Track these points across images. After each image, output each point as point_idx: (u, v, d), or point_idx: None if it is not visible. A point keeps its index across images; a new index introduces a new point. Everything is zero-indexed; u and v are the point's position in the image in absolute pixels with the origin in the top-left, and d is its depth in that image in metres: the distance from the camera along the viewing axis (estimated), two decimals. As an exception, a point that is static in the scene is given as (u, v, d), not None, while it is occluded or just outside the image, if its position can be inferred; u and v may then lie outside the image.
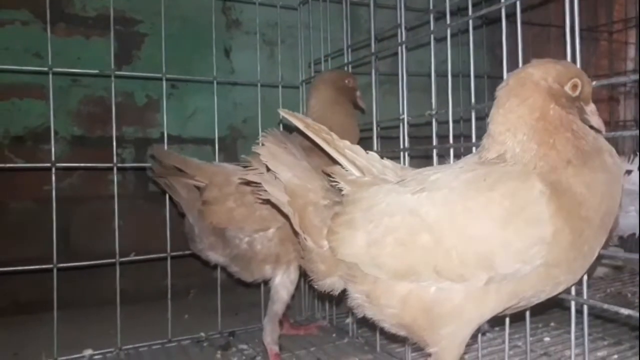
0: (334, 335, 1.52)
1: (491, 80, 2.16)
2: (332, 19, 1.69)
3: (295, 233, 1.01)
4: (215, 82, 1.63)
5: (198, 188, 1.36)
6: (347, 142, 0.97)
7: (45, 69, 1.40)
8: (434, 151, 1.25)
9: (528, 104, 0.85)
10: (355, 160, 0.95)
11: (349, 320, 1.53)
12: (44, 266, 1.36)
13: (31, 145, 1.79)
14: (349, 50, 1.57)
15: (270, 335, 1.30)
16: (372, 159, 0.96)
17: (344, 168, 0.95)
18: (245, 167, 1.06)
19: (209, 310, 1.62)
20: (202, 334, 1.53)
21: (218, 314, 1.56)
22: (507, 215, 0.80)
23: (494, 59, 2.30)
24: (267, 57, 2.05)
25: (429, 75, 1.25)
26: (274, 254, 1.33)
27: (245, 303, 1.75)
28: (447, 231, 0.82)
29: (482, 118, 1.00)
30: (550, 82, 0.85)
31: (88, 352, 1.40)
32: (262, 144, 0.98)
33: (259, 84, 1.69)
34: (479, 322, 0.88)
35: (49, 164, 1.40)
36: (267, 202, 1.08)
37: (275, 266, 1.34)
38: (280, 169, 0.97)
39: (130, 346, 1.44)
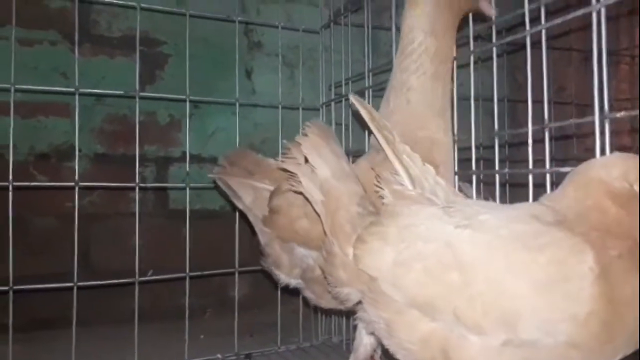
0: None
1: (511, 104, 2.15)
2: (353, 42, 1.70)
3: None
4: (237, 103, 1.64)
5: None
6: (407, 148, 0.90)
7: (72, 89, 1.44)
8: (456, 177, 1.24)
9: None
10: (409, 169, 0.89)
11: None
12: (64, 284, 1.37)
13: (55, 162, 1.82)
14: (370, 74, 1.58)
15: None
16: (427, 172, 0.90)
17: (394, 174, 0.89)
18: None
19: (225, 331, 1.62)
20: (219, 356, 1.52)
21: (234, 335, 1.55)
22: (547, 281, 0.74)
23: (514, 82, 2.29)
24: (288, 79, 2.07)
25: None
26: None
27: (261, 324, 1.74)
28: (479, 276, 0.78)
29: (503, 145, 1.01)
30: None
31: (105, 371, 1.41)
32: (306, 135, 0.92)
33: (280, 106, 1.71)
34: None
35: (72, 183, 1.41)
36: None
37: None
38: (319, 164, 0.92)
39: (151, 366, 1.44)
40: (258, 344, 1.62)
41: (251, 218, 1.24)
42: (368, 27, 1.61)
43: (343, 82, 1.71)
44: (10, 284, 1.32)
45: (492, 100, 1.17)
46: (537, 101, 1.04)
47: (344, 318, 1.62)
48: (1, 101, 1.65)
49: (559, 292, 0.74)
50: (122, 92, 1.55)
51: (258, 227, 1.21)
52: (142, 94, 1.54)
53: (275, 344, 1.61)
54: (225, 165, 1.28)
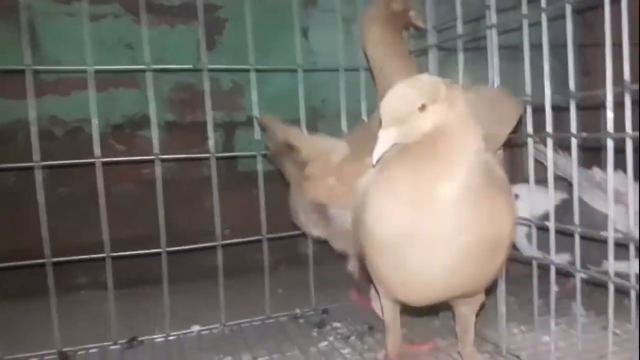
0: (425, 317, 1.57)
1: (580, 48, 2.05)
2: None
3: None
4: (299, 70, 1.66)
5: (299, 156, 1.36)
6: None
7: (144, 67, 1.49)
8: (530, 140, 1.23)
9: None
10: None
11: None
12: (155, 250, 1.49)
13: (129, 132, 1.92)
14: (435, 31, 1.55)
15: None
16: None
17: None
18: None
19: (301, 285, 1.71)
20: (298, 311, 1.63)
21: (311, 290, 1.64)
22: None
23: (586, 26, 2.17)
24: (346, 34, 2.04)
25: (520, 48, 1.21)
26: None
27: (334, 278, 1.82)
28: None
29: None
30: None
31: (196, 327, 1.54)
32: None
33: (341, 68, 1.71)
34: None
35: (153, 157, 1.50)
36: None
37: None
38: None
39: (233, 322, 1.56)
40: (334, 299, 1.70)
41: (290, 181, 1.39)
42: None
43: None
44: (107, 252, 1.45)
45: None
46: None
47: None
48: (76, 77, 1.75)
49: None
50: (191, 66, 1.60)
51: (294, 192, 1.38)
52: (209, 66, 1.57)
53: (349, 298, 1.69)
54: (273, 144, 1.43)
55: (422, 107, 0.85)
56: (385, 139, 0.86)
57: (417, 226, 0.87)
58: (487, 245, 0.90)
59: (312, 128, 2.09)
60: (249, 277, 1.72)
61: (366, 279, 1.31)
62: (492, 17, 1.28)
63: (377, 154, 0.87)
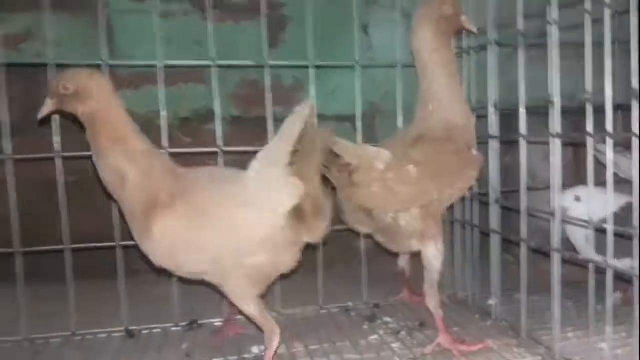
0: (476, 316, 1.56)
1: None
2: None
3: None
4: (357, 66, 1.69)
5: (348, 166, 1.38)
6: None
7: (210, 62, 1.57)
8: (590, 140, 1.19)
9: None
10: None
11: (492, 301, 1.54)
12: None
13: (196, 125, 2.02)
14: (495, 27, 1.52)
15: (434, 299, 1.38)
16: None
17: None
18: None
19: (353, 280, 1.74)
20: (350, 304, 1.66)
21: (363, 284, 1.67)
22: None
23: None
24: (405, 30, 2.04)
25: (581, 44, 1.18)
26: (419, 231, 1.41)
27: (386, 274, 1.84)
28: None
29: None
30: None
31: (253, 313, 1.60)
32: None
33: (399, 65, 1.72)
34: None
35: (215, 149, 1.58)
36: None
37: (422, 240, 1.42)
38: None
39: (289, 311, 1.61)
40: (386, 294, 1.72)
41: (336, 185, 1.42)
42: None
43: (463, 33, 1.67)
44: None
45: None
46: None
47: (471, 275, 1.65)
48: (148, 72, 1.86)
49: None
50: (253, 63, 1.67)
51: (341, 194, 1.41)
52: (271, 62, 1.63)
53: (401, 295, 1.71)
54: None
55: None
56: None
57: None
58: None
59: (370, 124, 2.13)
60: (304, 271, 1.76)
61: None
62: (553, 13, 1.25)
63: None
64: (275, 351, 1.25)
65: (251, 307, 1.24)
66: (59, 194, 1.50)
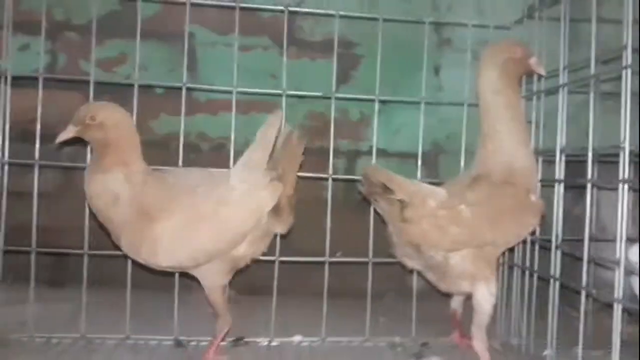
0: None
1: None
2: (549, 37, 1.63)
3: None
4: (423, 102, 1.71)
5: (400, 201, 1.42)
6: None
7: (280, 91, 1.66)
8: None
9: None
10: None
11: (547, 352, 1.46)
12: (269, 257, 1.61)
13: (264, 153, 2.10)
14: (566, 70, 1.50)
15: (481, 342, 1.38)
16: None
17: None
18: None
19: (403, 317, 1.71)
20: (397, 339, 1.63)
21: (412, 321, 1.64)
22: None
23: None
24: (475, 72, 2.06)
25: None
26: (469, 272, 1.39)
27: (438, 314, 1.79)
28: None
29: None
30: None
31: (297, 337, 1.62)
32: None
33: (465, 104, 1.73)
34: None
35: (277, 173, 1.64)
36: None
37: (472, 281, 1.39)
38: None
39: (333, 339, 1.61)
40: (435, 333, 1.68)
41: (386, 218, 1.49)
42: (565, 20, 1.53)
43: (535, 78, 1.66)
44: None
45: None
46: None
47: (524, 322, 1.58)
48: (225, 100, 1.98)
49: None
50: (320, 94, 1.74)
51: (391, 227, 1.47)
52: (336, 94, 1.70)
53: (451, 336, 1.65)
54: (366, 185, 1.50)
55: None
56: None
57: None
58: None
59: (433, 162, 2.13)
60: (354, 300, 1.77)
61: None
62: (628, 57, 1.22)
63: None
64: (222, 338, 1.43)
65: (219, 294, 1.42)
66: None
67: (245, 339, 1.59)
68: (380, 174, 1.46)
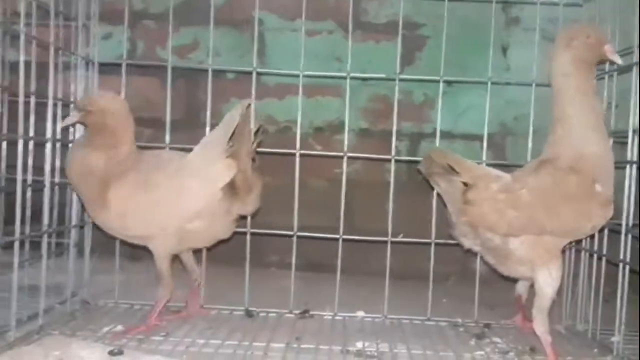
0: (595, 350, 1.45)
1: None
2: (622, 13, 1.56)
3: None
4: (489, 82, 1.70)
5: (464, 184, 1.43)
6: None
7: (344, 74, 1.70)
8: None
9: None
10: None
11: (615, 338, 1.43)
12: (333, 236, 1.68)
13: (328, 135, 2.16)
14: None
15: (542, 325, 1.35)
16: None
17: None
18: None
19: (466, 299, 1.72)
20: (459, 320, 1.65)
21: (475, 303, 1.65)
22: None
23: None
24: (546, 54, 2.00)
25: None
26: (527, 259, 1.38)
27: (502, 298, 1.78)
28: None
29: None
30: None
31: (360, 313, 1.68)
32: None
33: (533, 84, 1.70)
34: None
35: (341, 153, 1.70)
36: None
37: (533, 268, 1.38)
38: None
39: (395, 316, 1.65)
40: (498, 316, 1.68)
41: (445, 199, 1.51)
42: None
43: (608, 58, 1.59)
44: (295, 230, 1.69)
45: None
46: None
47: (591, 307, 1.55)
48: (291, 84, 2.05)
49: None
50: (384, 75, 1.76)
51: (451, 208, 1.48)
52: (401, 76, 1.71)
53: (514, 320, 1.65)
54: (427, 165, 1.53)
55: None
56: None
57: None
58: None
59: (500, 144, 2.10)
60: (417, 282, 1.80)
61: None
62: None
63: None
64: (163, 306, 1.51)
65: (166, 264, 1.50)
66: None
67: (311, 312, 1.66)
68: (447, 156, 1.48)
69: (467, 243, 1.52)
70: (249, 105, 1.54)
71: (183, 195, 1.45)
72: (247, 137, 1.54)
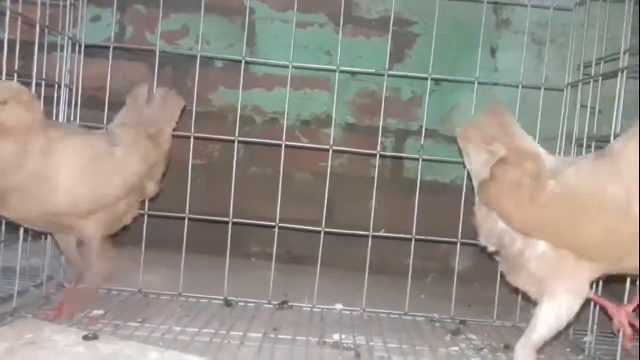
0: (567, 349, 1.47)
1: None
2: (611, 19, 1.58)
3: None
4: (476, 82, 1.71)
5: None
6: None
7: (334, 67, 1.70)
8: None
9: None
10: None
11: (588, 338, 1.45)
12: (314, 228, 1.69)
13: (314, 128, 2.15)
14: (627, 54, 1.46)
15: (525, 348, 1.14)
16: None
17: None
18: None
19: (444, 296, 1.74)
20: (436, 315, 1.66)
21: (452, 301, 1.67)
22: None
23: None
24: (534, 57, 2.03)
25: None
26: (539, 277, 1.14)
27: (480, 297, 1.80)
28: None
29: None
30: None
31: (339, 306, 1.68)
32: None
33: (520, 86, 1.71)
34: None
35: (327, 146, 1.70)
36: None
37: (540, 292, 1.14)
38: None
39: (372, 310, 1.66)
40: (475, 314, 1.70)
41: (473, 176, 1.33)
42: (630, 1, 1.49)
43: (594, 62, 1.61)
44: (277, 221, 1.69)
45: None
46: None
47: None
48: (280, 75, 2.05)
49: None
50: (373, 70, 1.76)
51: (476, 190, 1.29)
52: (389, 72, 1.72)
53: (491, 317, 1.67)
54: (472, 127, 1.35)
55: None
56: None
57: None
58: None
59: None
60: (397, 277, 1.81)
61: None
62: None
63: None
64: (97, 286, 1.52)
65: (97, 246, 1.43)
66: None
67: (289, 303, 1.67)
68: (504, 115, 1.30)
69: (482, 239, 1.27)
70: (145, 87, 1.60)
71: (122, 169, 1.42)
72: (171, 118, 1.61)
